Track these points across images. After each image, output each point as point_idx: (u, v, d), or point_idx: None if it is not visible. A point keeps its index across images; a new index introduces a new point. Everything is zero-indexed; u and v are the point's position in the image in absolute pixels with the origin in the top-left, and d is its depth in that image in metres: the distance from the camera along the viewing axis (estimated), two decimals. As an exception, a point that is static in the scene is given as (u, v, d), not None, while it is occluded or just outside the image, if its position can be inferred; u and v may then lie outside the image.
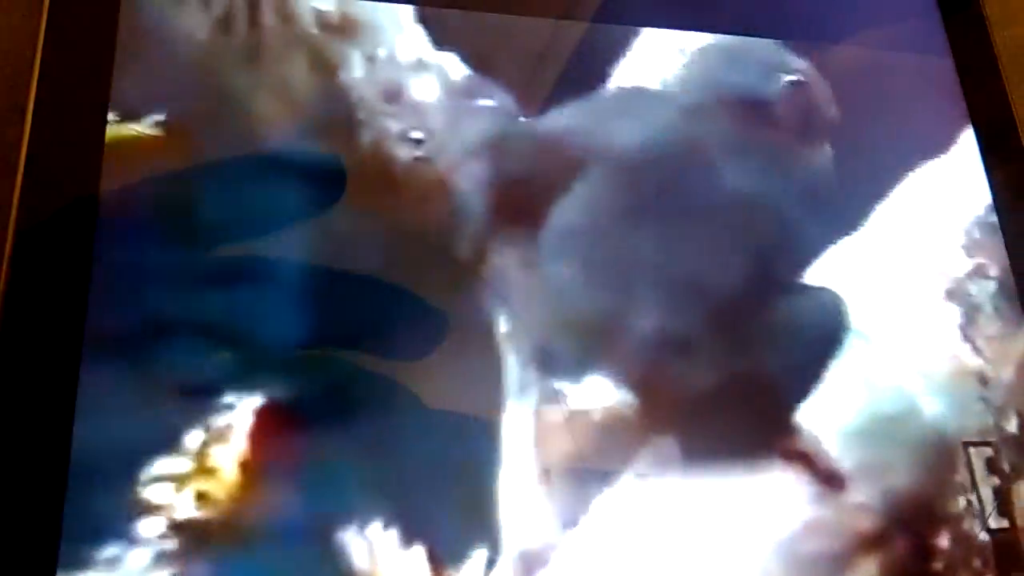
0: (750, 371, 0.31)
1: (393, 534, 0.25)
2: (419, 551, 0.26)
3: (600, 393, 0.29)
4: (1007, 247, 0.36)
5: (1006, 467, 0.32)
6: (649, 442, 0.29)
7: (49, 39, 0.29)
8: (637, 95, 0.34)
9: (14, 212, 0.26)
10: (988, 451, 0.32)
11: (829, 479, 0.30)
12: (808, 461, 0.30)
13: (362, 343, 0.28)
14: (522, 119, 0.32)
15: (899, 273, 0.34)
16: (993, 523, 0.31)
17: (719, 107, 0.35)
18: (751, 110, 0.35)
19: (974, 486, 0.32)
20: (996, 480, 0.32)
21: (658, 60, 0.35)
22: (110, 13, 0.30)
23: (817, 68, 0.36)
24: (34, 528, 0.24)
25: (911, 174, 0.36)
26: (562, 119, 0.32)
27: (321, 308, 0.28)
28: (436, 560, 0.26)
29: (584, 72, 0.34)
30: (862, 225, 0.34)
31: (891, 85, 0.37)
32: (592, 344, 0.30)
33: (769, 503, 0.30)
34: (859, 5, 0.39)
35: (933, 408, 0.32)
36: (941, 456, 0.32)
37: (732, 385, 0.31)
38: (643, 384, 0.30)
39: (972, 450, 0.32)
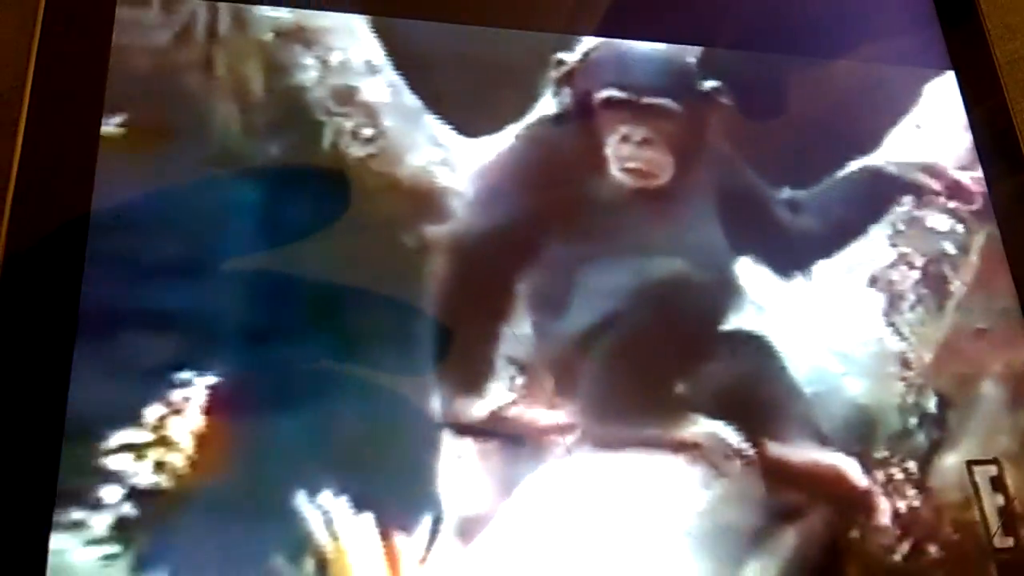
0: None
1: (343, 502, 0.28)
2: (368, 518, 0.28)
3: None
4: (1008, 258, 0.37)
5: (1010, 486, 0.34)
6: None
7: (42, 55, 0.29)
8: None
9: (5, 226, 0.27)
10: (992, 469, 0.34)
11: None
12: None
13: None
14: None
15: (826, 261, 0.36)
16: (998, 542, 0.33)
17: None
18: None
19: (979, 506, 0.33)
20: (1001, 499, 0.34)
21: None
22: (103, 30, 0.31)
23: (819, 82, 0.38)
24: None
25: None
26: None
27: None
28: (384, 525, 0.28)
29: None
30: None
31: (892, 99, 0.39)
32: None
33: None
34: (861, 20, 0.40)
35: (856, 387, 0.35)
36: (861, 432, 0.34)
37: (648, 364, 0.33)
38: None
39: (976, 468, 0.34)
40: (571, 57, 0.36)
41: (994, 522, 0.33)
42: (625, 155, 0.35)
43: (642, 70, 0.36)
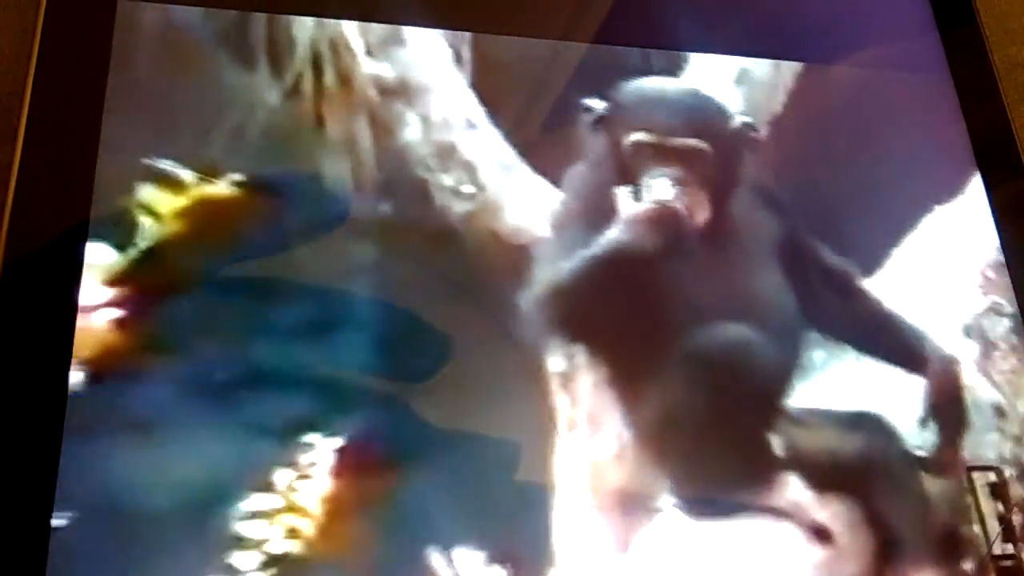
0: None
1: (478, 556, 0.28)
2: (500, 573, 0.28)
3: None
4: (1008, 264, 0.37)
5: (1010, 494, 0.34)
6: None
7: (41, 63, 0.29)
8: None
9: (5, 232, 0.27)
10: (991, 476, 0.34)
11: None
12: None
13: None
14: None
15: (917, 310, 0.36)
16: (997, 550, 0.33)
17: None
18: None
19: (979, 513, 0.33)
20: (1000, 507, 0.33)
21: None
22: (103, 38, 0.31)
23: (817, 88, 0.38)
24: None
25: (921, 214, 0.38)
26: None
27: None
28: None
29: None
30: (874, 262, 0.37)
31: (891, 104, 0.39)
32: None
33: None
34: (858, 25, 0.40)
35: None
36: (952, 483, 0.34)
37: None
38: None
39: (976, 475, 0.34)
40: (599, 104, 0.36)
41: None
42: (656, 192, 0.35)
43: (669, 110, 0.37)
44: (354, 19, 0.34)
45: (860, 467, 0.33)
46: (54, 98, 0.29)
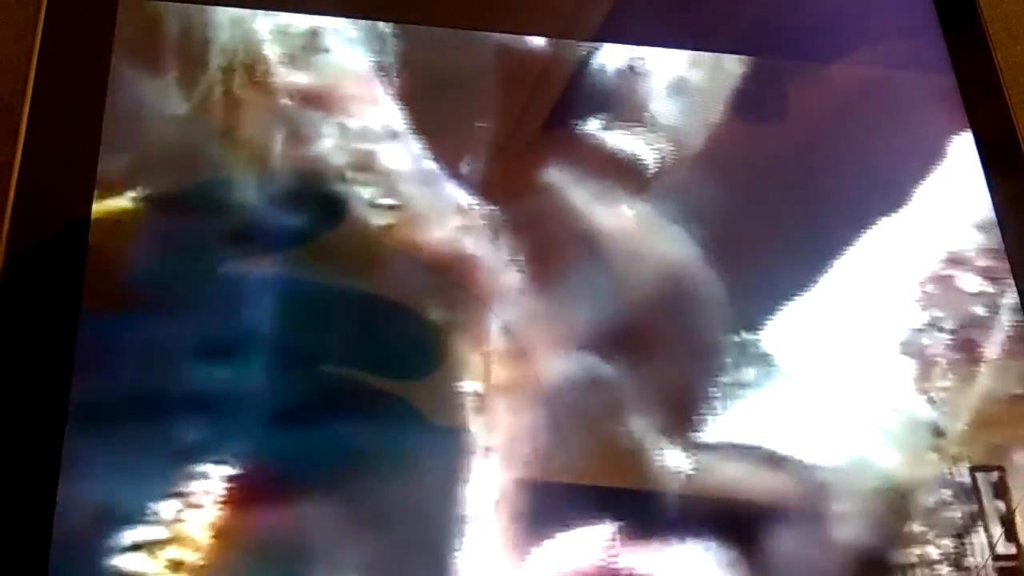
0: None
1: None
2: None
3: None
4: (1010, 264, 0.37)
5: (1012, 492, 0.33)
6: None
7: (42, 61, 0.30)
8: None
9: (5, 232, 0.27)
10: (994, 476, 0.33)
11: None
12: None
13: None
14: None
15: (853, 326, 0.35)
16: (1001, 549, 0.32)
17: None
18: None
19: (981, 512, 0.33)
20: (1002, 506, 0.33)
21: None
22: (104, 34, 0.31)
23: (819, 87, 0.38)
24: None
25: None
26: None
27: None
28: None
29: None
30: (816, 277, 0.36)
31: (893, 103, 0.38)
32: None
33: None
34: (860, 23, 0.40)
35: (887, 460, 0.34)
36: (893, 507, 0.33)
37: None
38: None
39: (979, 475, 0.33)
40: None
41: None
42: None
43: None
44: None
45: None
46: (55, 97, 0.29)
